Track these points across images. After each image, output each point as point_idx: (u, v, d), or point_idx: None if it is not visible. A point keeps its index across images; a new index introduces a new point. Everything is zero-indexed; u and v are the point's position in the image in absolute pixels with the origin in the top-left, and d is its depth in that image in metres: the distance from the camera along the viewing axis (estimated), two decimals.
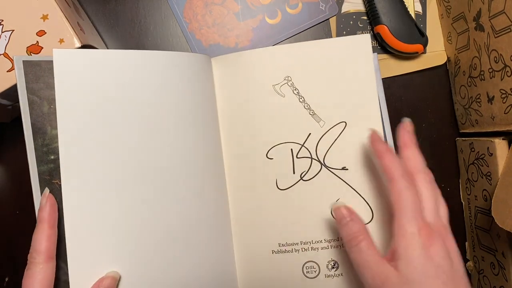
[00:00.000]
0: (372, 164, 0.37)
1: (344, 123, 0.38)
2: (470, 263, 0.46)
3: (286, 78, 0.38)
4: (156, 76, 0.34)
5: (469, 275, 0.47)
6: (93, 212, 0.31)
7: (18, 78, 0.31)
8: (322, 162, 0.38)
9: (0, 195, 0.45)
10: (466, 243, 0.47)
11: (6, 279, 0.44)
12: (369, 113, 0.38)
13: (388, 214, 0.36)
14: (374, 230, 0.37)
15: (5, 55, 0.35)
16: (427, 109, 0.47)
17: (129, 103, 0.33)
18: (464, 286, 0.29)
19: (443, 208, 0.32)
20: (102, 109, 0.32)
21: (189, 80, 0.36)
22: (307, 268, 0.37)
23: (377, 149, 0.33)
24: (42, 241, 0.29)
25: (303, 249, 0.37)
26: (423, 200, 0.31)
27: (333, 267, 0.37)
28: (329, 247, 0.37)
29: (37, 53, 0.36)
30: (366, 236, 0.31)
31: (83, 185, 0.31)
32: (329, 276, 0.37)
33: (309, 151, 0.38)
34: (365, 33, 0.46)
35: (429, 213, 0.31)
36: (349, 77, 0.38)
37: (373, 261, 0.30)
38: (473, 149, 0.43)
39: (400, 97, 0.47)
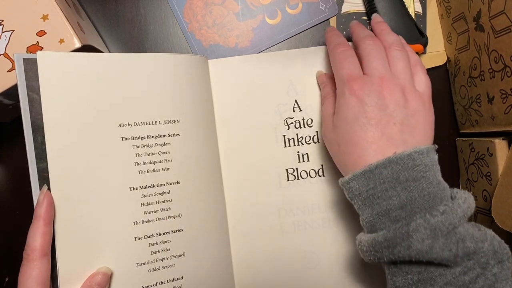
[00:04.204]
0: None
1: None
2: None
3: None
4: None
5: None
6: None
7: (18, 76, 0.31)
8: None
9: (0, 195, 0.45)
10: None
11: (6, 279, 0.44)
12: None
13: None
14: None
15: (5, 55, 0.35)
16: None
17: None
18: (413, 131, 0.30)
19: (420, 77, 0.33)
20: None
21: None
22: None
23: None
24: (37, 237, 0.29)
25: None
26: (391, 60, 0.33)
27: None
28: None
29: None
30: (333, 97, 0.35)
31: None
32: None
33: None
34: None
35: (386, 67, 0.32)
36: None
37: (326, 113, 0.34)
38: (473, 149, 0.43)
39: None
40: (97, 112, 0.32)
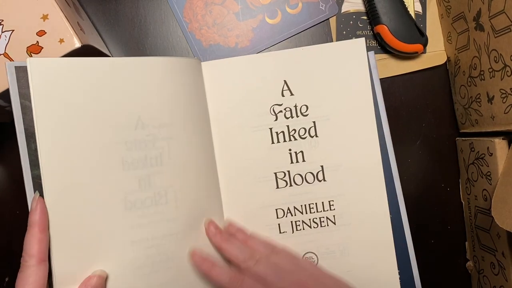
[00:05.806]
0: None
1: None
2: (470, 263, 0.46)
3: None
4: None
5: (469, 275, 0.47)
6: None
7: (10, 83, 0.31)
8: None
9: (0, 195, 0.45)
10: (466, 243, 0.47)
11: (6, 279, 0.44)
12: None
13: None
14: None
15: (5, 55, 0.35)
16: (427, 109, 0.47)
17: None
18: None
19: (278, 254, 0.34)
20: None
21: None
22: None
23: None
24: (33, 244, 0.29)
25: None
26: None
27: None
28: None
29: (37, 53, 0.36)
30: None
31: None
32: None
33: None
34: (365, 33, 0.46)
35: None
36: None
37: None
38: (473, 149, 0.43)
39: (400, 97, 0.47)
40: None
